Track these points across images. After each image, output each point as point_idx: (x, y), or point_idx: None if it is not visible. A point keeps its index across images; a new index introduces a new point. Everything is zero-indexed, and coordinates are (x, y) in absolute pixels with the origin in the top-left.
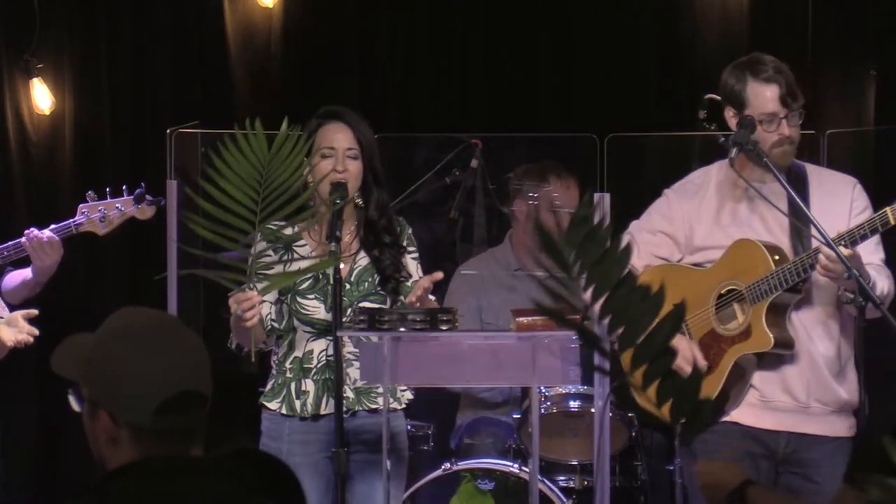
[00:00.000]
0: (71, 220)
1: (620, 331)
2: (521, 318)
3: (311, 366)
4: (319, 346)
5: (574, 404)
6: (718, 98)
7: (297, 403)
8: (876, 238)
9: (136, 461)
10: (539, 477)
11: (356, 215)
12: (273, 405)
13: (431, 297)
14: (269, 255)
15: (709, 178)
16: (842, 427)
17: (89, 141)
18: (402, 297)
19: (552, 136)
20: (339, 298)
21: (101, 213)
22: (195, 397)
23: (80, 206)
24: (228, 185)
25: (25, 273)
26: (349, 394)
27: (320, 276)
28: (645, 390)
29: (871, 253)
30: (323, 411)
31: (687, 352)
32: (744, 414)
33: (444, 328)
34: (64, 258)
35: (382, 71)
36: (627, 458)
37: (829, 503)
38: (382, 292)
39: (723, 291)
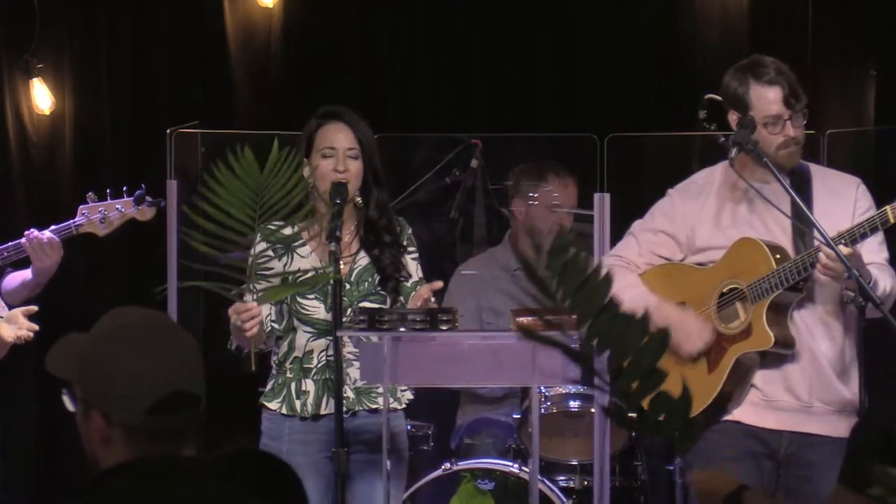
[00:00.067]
0: (71, 221)
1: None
2: (521, 318)
3: (312, 366)
4: (319, 346)
5: (574, 404)
6: (718, 98)
7: (298, 403)
8: (879, 237)
9: (128, 461)
10: (539, 477)
11: (356, 215)
12: (273, 405)
13: (431, 299)
14: (269, 256)
15: (712, 179)
16: (844, 427)
17: (89, 141)
18: (401, 298)
19: (552, 136)
20: (339, 298)
21: (101, 214)
22: (187, 397)
23: (80, 207)
24: (225, 204)
25: (25, 274)
26: (349, 394)
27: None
28: (634, 409)
29: (874, 252)
30: (323, 411)
31: (699, 331)
32: (746, 413)
33: (444, 328)
34: (64, 259)
35: (382, 71)
36: (627, 458)
37: None
38: (382, 292)
39: (724, 290)
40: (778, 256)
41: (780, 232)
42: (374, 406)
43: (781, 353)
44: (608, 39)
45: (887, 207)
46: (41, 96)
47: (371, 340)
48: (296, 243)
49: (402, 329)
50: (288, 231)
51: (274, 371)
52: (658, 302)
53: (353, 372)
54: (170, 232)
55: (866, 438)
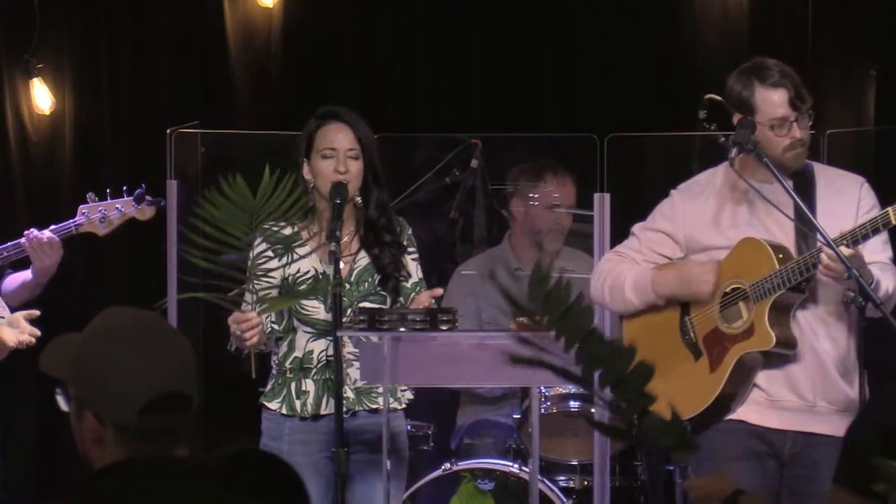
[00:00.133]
0: (71, 221)
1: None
2: (521, 318)
3: (312, 366)
4: (319, 347)
5: (574, 404)
6: (718, 98)
7: (298, 403)
8: (883, 236)
9: (120, 461)
10: (539, 477)
11: (356, 215)
12: (273, 405)
13: (432, 304)
14: (269, 257)
15: (714, 179)
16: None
17: (89, 141)
18: (401, 298)
19: (552, 136)
20: (339, 298)
21: (101, 214)
22: (180, 398)
23: (80, 206)
24: (222, 224)
25: (25, 275)
26: (349, 394)
27: (320, 277)
28: (629, 424)
29: (877, 252)
30: (323, 411)
31: (701, 274)
32: (750, 412)
33: (443, 328)
34: (64, 259)
35: (382, 71)
36: (627, 458)
37: None
38: (383, 292)
39: (727, 290)
40: (781, 256)
41: (780, 232)
42: (374, 406)
43: (783, 353)
44: (608, 39)
45: (889, 209)
46: (41, 96)
47: (371, 340)
48: (295, 243)
49: (402, 329)
50: (288, 231)
51: (274, 371)
52: (656, 271)
53: (353, 372)
54: (170, 232)
55: (864, 437)
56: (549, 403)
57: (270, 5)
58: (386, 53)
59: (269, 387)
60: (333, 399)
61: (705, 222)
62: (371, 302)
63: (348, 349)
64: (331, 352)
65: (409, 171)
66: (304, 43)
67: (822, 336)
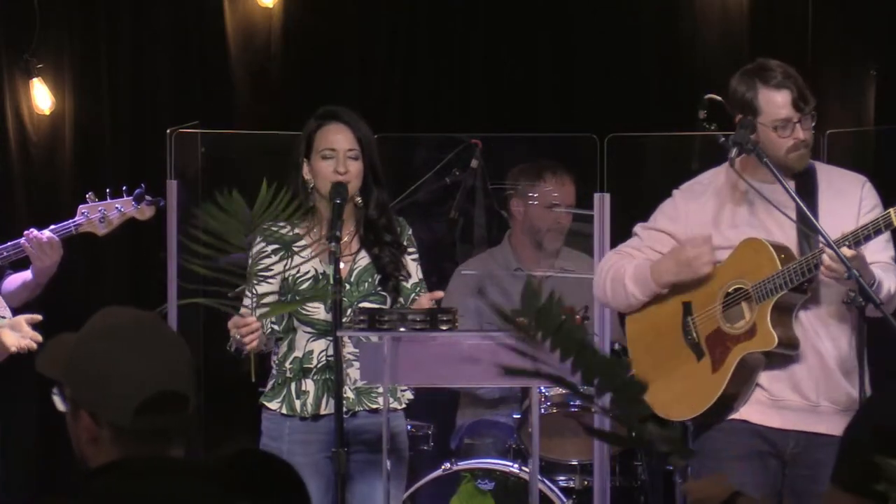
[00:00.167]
0: (70, 221)
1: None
2: (521, 318)
3: (311, 366)
4: (319, 347)
5: (574, 404)
6: (718, 98)
7: (297, 403)
8: (885, 236)
9: (116, 461)
10: (539, 477)
11: (356, 215)
12: (273, 405)
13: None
14: (269, 257)
15: (717, 179)
16: None
17: (89, 141)
18: (401, 298)
19: (552, 136)
20: (340, 299)
21: (100, 214)
22: (176, 398)
23: (80, 206)
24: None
25: (25, 275)
26: (349, 394)
27: (320, 277)
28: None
29: (879, 251)
30: (323, 411)
31: (697, 255)
32: (753, 412)
33: (444, 328)
34: (64, 259)
35: (382, 71)
36: (627, 458)
37: None
38: (383, 293)
39: (730, 290)
40: (783, 256)
41: (779, 232)
42: (374, 406)
43: (786, 353)
44: (608, 39)
45: (891, 210)
46: (41, 96)
47: (371, 340)
48: (296, 244)
49: (402, 329)
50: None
51: (274, 371)
52: (654, 262)
53: (353, 372)
54: (170, 232)
55: (861, 437)
56: (549, 403)
57: (270, 5)
58: (386, 53)
59: (269, 387)
60: (333, 399)
61: (707, 222)
62: (371, 302)
63: (348, 349)
64: (331, 352)
65: (409, 171)
66: (304, 43)
67: (825, 336)
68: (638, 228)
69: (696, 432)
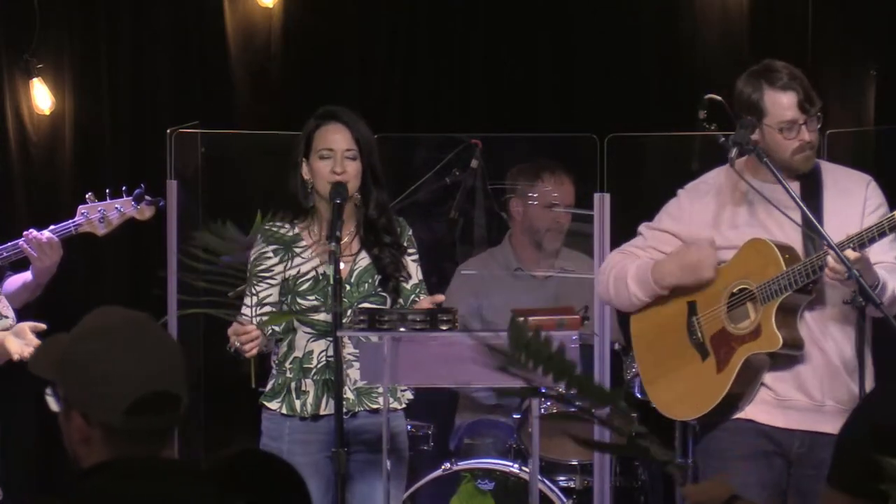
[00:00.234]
0: (70, 221)
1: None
2: (521, 319)
3: (311, 366)
4: (319, 347)
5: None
6: (718, 98)
7: (297, 403)
8: (891, 236)
9: (107, 461)
10: (539, 477)
11: (356, 215)
12: (273, 405)
13: None
14: (269, 257)
15: (720, 179)
16: None
17: (89, 141)
18: (401, 299)
19: (552, 136)
20: (340, 299)
21: (100, 214)
22: (168, 398)
23: (80, 206)
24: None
25: (26, 276)
26: (349, 395)
27: (320, 277)
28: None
29: (883, 252)
30: (323, 411)
31: (700, 260)
32: (758, 412)
33: (444, 328)
34: (63, 259)
35: (382, 71)
36: (628, 458)
37: None
38: (383, 293)
39: (735, 290)
40: (787, 257)
41: (779, 233)
42: (374, 406)
43: (790, 354)
44: (608, 39)
45: (895, 212)
46: (41, 96)
47: (371, 340)
48: (296, 244)
49: (402, 329)
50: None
51: (274, 371)
52: (656, 263)
53: (353, 373)
54: (169, 232)
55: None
56: (549, 403)
57: (270, 5)
58: (386, 53)
59: (269, 387)
60: (333, 399)
61: (710, 222)
62: (371, 303)
63: (348, 349)
64: (331, 352)
65: (409, 171)
66: (304, 43)
67: (830, 336)
68: (642, 228)
69: (701, 432)
